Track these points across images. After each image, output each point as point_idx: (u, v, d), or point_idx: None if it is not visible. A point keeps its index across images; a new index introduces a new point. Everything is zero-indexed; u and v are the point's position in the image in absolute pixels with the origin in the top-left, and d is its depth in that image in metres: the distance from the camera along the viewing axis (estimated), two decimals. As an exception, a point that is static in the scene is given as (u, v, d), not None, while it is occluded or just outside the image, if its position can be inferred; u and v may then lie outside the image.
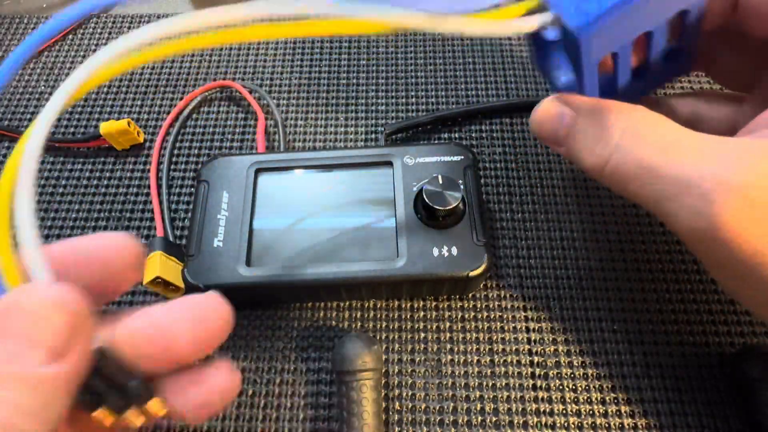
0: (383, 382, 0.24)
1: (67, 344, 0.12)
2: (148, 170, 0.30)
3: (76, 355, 0.12)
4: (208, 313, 0.15)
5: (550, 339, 0.25)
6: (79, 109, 0.32)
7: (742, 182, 0.16)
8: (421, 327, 0.25)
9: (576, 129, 0.20)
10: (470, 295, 0.26)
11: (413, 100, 0.32)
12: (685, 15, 0.20)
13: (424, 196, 0.23)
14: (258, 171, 0.25)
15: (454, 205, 0.23)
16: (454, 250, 0.23)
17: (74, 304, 0.12)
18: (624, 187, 0.18)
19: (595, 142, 0.19)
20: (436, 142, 0.30)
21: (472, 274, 0.23)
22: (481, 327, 0.25)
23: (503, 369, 0.24)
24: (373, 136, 0.31)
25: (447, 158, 0.25)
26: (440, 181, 0.23)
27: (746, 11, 0.21)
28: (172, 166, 0.30)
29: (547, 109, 0.21)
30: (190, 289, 0.23)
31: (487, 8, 0.16)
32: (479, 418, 0.23)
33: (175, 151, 0.30)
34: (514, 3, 0.17)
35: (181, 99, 0.32)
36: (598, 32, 0.17)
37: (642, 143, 0.18)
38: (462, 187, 0.24)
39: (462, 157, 0.25)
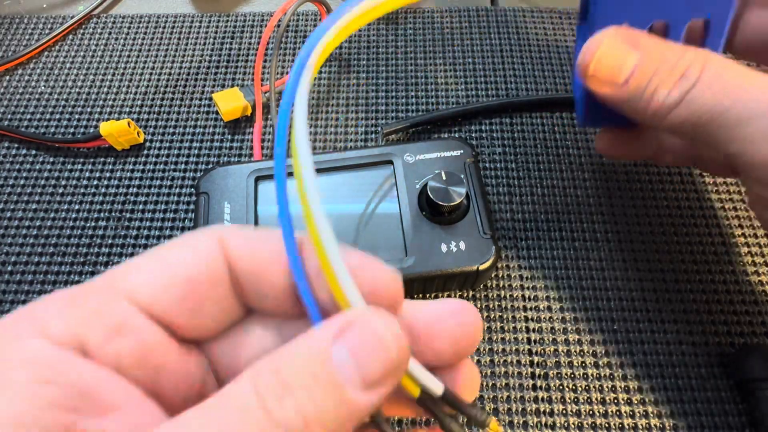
0: (383, 382, 0.24)
1: (385, 378, 0.11)
2: (148, 170, 0.30)
3: (385, 390, 0.11)
4: (468, 319, 0.14)
5: (550, 339, 0.25)
6: (79, 109, 0.32)
7: None
8: (421, 327, 0.25)
9: (648, 66, 0.19)
10: (480, 287, 0.26)
11: (413, 100, 0.32)
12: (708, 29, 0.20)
13: (429, 193, 0.23)
14: (258, 179, 0.25)
15: (458, 200, 0.23)
16: (462, 245, 0.23)
17: (405, 341, 0.11)
18: (697, 120, 0.18)
19: (672, 78, 0.18)
20: (434, 138, 0.30)
21: (482, 267, 0.23)
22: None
23: (503, 369, 0.24)
24: (373, 136, 0.31)
25: (447, 153, 0.25)
26: (443, 177, 0.23)
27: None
28: (172, 166, 0.30)
29: (610, 46, 0.19)
30: None
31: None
32: (479, 418, 0.23)
33: (175, 151, 0.30)
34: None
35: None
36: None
37: (722, 73, 0.18)
38: (464, 181, 0.24)
39: (461, 151, 0.25)
